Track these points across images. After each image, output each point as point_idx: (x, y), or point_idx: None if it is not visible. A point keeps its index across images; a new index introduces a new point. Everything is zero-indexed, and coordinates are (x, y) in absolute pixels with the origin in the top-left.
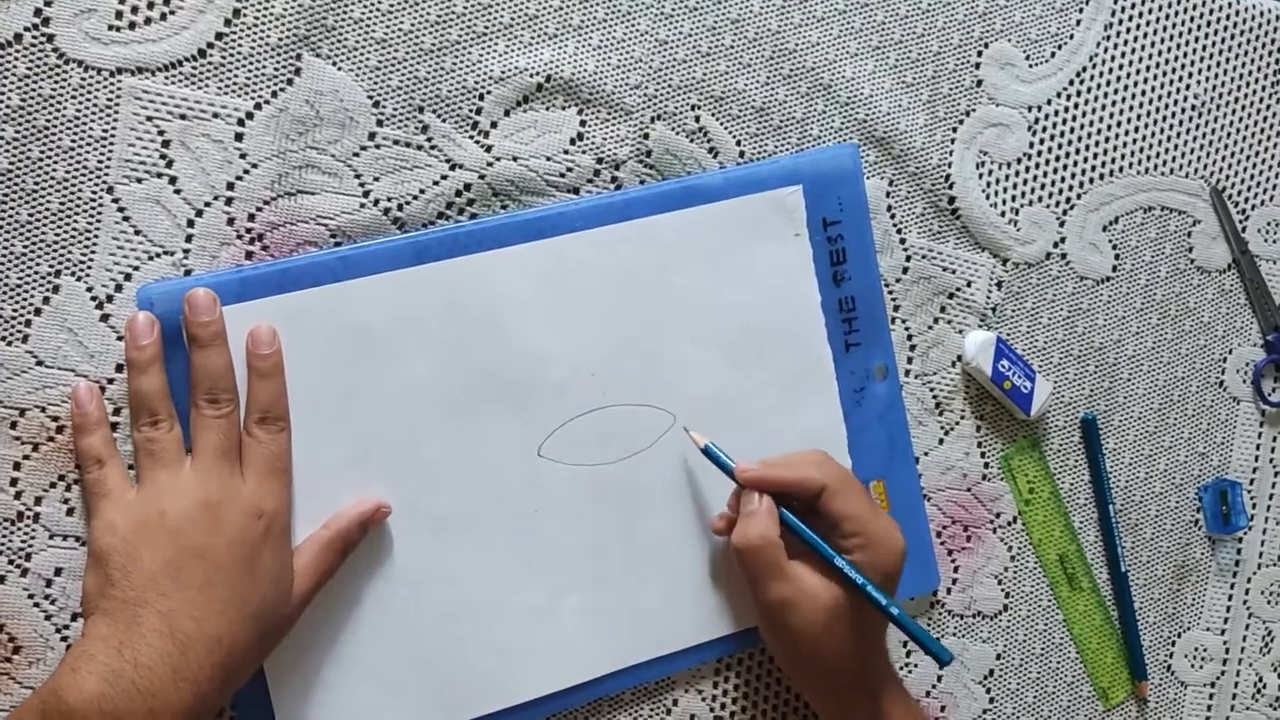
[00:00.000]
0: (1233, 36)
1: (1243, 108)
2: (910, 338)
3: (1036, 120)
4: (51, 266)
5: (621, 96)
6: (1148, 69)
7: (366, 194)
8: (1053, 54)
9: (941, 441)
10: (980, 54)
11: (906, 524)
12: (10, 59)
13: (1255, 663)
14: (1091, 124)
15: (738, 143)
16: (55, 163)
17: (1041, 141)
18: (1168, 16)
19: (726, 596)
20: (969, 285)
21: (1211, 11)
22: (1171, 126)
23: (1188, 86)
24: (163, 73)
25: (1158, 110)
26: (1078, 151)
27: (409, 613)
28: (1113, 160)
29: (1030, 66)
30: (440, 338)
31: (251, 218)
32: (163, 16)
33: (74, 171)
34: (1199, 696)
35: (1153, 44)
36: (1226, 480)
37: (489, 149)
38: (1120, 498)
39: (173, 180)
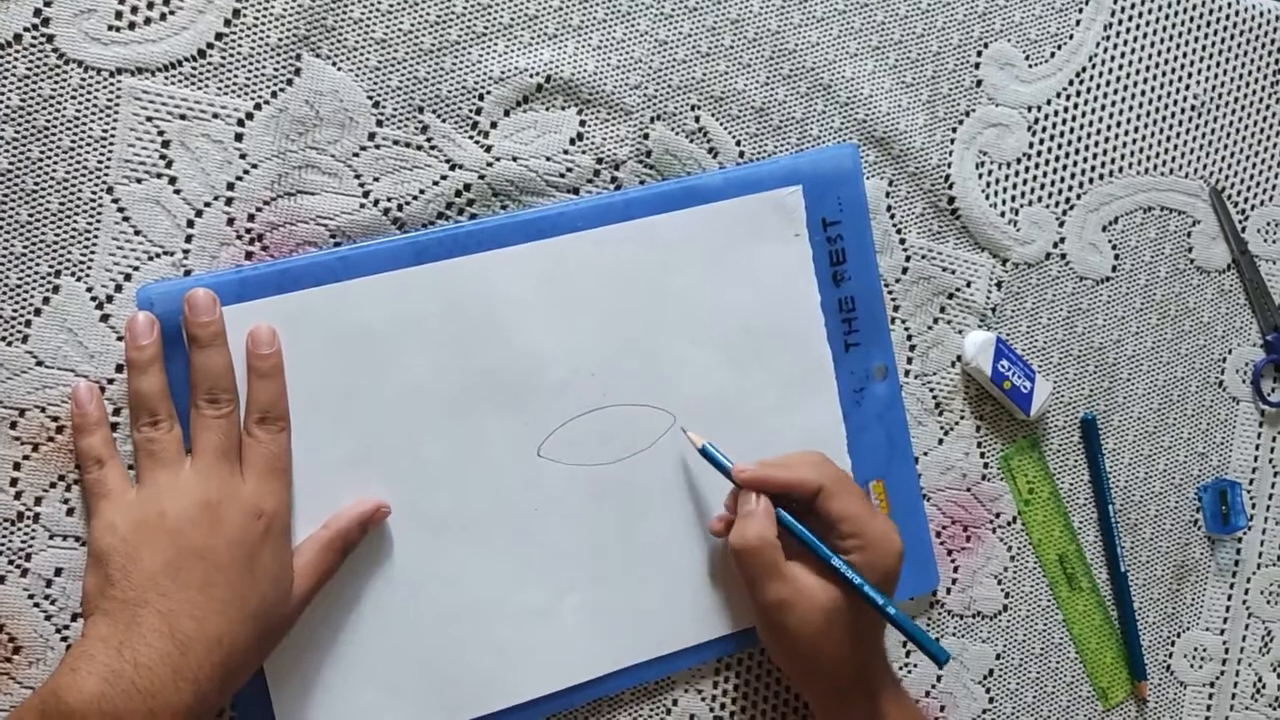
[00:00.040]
0: (1232, 36)
1: (1242, 108)
2: (910, 338)
3: (1036, 120)
4: (51, 267)
5: (621, 97)
6: (1147, 69)
7: (366, 194)
8: (1052, 54)
9: (941, 441)
10: (980, 54)
11: (906, 524)
12: (10, 59)
13: (1255, 663)
14: (1091, 124)
15: (737, 143)
16: (55, 163)
17: (1041, 141)
18: (1167, 16)
19: (726, 596)
20: (969, 285)
21: (1211, 11)
22: (1171, 126)
23: (1187, 86)
24: (162, 73)
25: (1157, 110)
26: (1077, 151)
27: (409, 613)
28: (1112, 160)
29: (1030, 66)
30: (440, 338)
31: (251, 218)
32: (162, 17)
33: (74, 172)
34: (1198, 696)
35: (1152, 44)
36: (1226, 480)
37: (489, 149)
38: (1120, 498)
39: (172, 180)
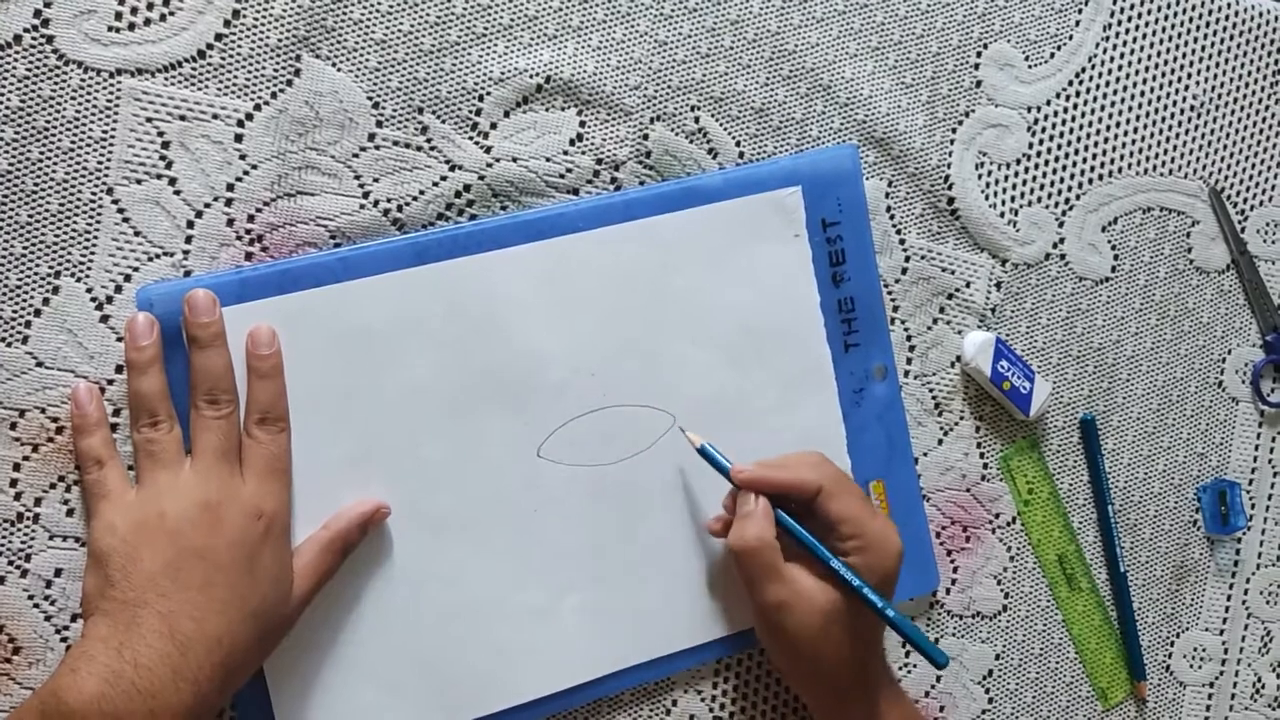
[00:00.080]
0: (1232, 37)
1: (1242, 108)
2: (909, 338)
3: (1036, 121)
4: (51, 268)
5: (621, 97)
6: (1147, 69)
7: (366, 195)
8: (1052, 55)
9: (941, 442)
10: (979, 55)
11: (905, 524)
12: (10, 60)
13: (1254, 663)
14: (1090, 125)
15: (737, 144)
16: (55, 164)
17: (1040, 142)
18: (1167, 17)
19: (726, 597)
20: (968, 286)
21: (1211, 11)
22: (1170, 127)
23: (1187, 87)
24: (162, 74)
25: (1157, 110)
26: (1077, 152)
27: (409, 613)
28: (1112, 161)
29: (1029, 67)
30: (440, 338)
31: (251, 219)
32: (162, 18)
33: (73, 173)
34: (1198, 697)
35: (1152, 44)
36: (1225, 481)
37: (488, 150)
38: (1119, 498)
39: (172, 181)
